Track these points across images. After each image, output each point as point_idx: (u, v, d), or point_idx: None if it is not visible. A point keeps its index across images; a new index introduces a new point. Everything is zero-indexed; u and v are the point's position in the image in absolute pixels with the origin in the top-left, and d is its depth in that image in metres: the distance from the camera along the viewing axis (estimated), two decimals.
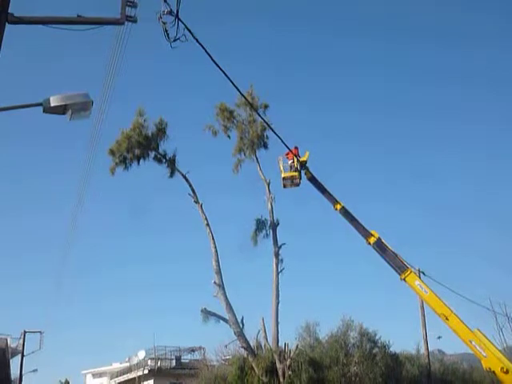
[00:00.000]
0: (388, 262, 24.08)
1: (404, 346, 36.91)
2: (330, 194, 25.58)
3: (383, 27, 78.97)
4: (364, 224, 24.80)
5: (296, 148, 26.38)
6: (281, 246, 31.10)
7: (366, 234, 24.42)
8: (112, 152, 30.21)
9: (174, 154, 31.39)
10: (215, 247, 29.77)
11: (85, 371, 69.84)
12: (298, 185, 26.29)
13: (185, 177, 31.07)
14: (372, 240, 24.20)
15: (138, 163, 30.95)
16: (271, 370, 28.14)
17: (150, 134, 30.87)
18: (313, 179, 25.87)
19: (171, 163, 31.21)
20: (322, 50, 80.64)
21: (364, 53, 79.53)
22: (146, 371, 47.95)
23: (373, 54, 78.79)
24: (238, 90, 14.53)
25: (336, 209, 25.23)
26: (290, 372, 27.74)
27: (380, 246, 24.13)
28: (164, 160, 31.31)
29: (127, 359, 54.36)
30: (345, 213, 25.10)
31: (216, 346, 37.51)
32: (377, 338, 29.63)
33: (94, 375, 67.66)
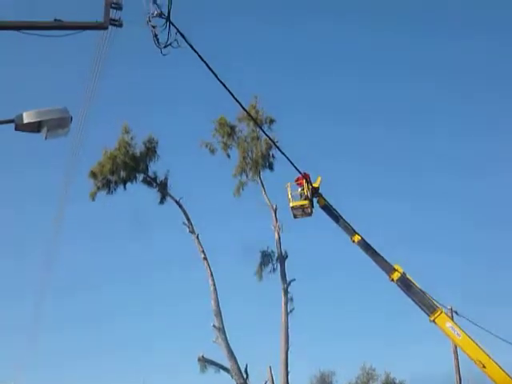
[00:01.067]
0: (414, 301, 23.90)
1: None
2: (346, 224, 25.58)
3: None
4: (386, 257, 24.70)
5: (306, 174, 26.24)
6: (290, 283, 31.16)
7: (389, 269, 24.34)
8: (93, 174, 30.48)
9: (165, 176, 31.76)
10: (214, 284, 29.80)
11: None
12: (309, 214, 26.33)
13: (178, 203, 31.26)
14: (396, 276, 24.11)
15: (125, 187, 31.29)
16: None
17: (137, 154, 31.24)
18: (326, 207, 25.91)
19: (162, 187, 31.47)
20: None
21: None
22: None
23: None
24: (239, 102, 14.24)
25: (354, 241, 25.18)
26: None
27: (405, 283, 24.04)
28: (154, 183, 31.59)
29: None
30: (364, 245, 25.07)
31: None
32: None
33: None
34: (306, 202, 25.98)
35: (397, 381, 29.50)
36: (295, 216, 26.72)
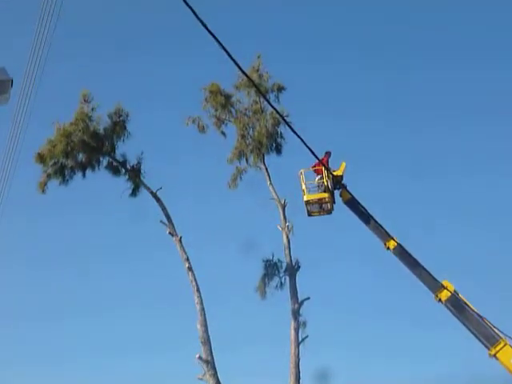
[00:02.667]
0: (468, 329, 23.81)
1: None
2: (378, 226, 25.47)
3: None
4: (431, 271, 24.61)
5: (328, 154, 26.52)
6: (303, 302, 30.77)
7: (435, 286, 24.26)
8: (41, 158, 30.04)
9: (138, 160, 31.30)
10: (201, 303, 29.25)
11: None
12: (329, 212, 26.59)
13: (155, 196, 30.76)
14: (444, 295, 24.03)
15: (84, 174, 30.89)
16: None
17: (101, 131, 30.84)
18: (352, 203, 25.75)
19: (134, 174, 30.97)
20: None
21: None
22: None
23: None
24: (234, 60, 13.16)
25: (388, 247, 25.17)
26: None
27: (456, 305, 23.96)
28: (123, 170, 31.18)
29: None
30: (401, 253, 25.04)
31: None
32: None
33: None
34: (325, 196, 26.03)
35: None
36: (310, 213, 26.80)
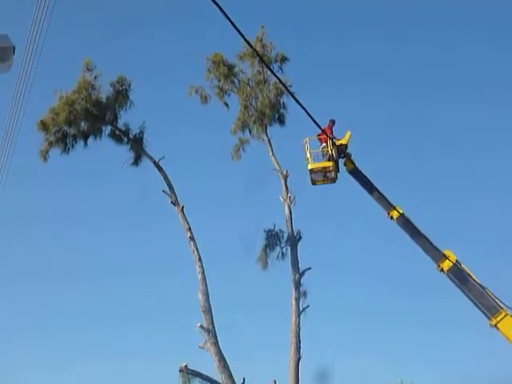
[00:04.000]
0: (470, 299, 23.89)
1: None
2: (381, 196, 25.62)
3: None
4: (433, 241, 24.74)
5: (332, 122, 26.46)
6: (304, 273, 30.79)
7: (438, 256, 24.34)
8: (44, 125, 29.89)
9: (140, 129, 31.15)
10: (203, 272, 29.28)
11: None
12: (333, 180, 26.50)
13: (157, 165, 30.72)
14: (446, 265, 24.10)
15: (86, 143, 30.74)
16: None
17: (103, 99, 30.64)
18: (356, 172, 25.92)
19: (136, 144, 30.88)
20: None
21: None
22: None
23: None
24: (238, 30, 13.02)
25: (392, 217, 25.22)
26: None
27: (458, 275, 24.06)
28: (126, 139, 31.06)
29: None
30: (404, 223, 25.11)
31: None
32: None
33: None
34: (329, 164, 25.99)
35: None
36: (314, 182, 26.72)
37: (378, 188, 25.62)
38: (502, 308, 23.24)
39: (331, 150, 25.91)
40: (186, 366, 27.81)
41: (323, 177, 26.50)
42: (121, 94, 30.82)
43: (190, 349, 30.52)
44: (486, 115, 68.24)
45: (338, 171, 26.25)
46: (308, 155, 26.41)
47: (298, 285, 30.51)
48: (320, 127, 23.33)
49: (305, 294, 30.77)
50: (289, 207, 31.53)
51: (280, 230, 31.68)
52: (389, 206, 25.22)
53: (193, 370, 28.10)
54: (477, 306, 23.50)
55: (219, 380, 28.14)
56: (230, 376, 28.14)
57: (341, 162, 26.28)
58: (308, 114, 17.80)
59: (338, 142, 26.01)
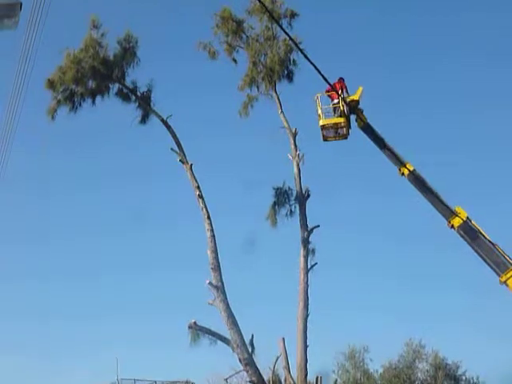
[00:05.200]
0: (480, 255, 23.91)
1: None
2: (392, 152, 25.55)
3: None
4: (444, 198, 24.77)
5: (341, 80, 26.34)
6: (312, 230, 30.74)
7: (448, 213, 24.33)
8: (51, 84, 29.73)
9: (148, 87, 30.93)
10: (212, 230, 29.24)
11: None
12: (345, 137, 26.42)
13: (166, 123, 30.56)
14: (457, 222, 24.09)
15: (93, 101, 30.58)
16: None
17: (110, 57, 30.38)
18: (368, 128, 25.75)
19: (144, 101, 30.68)
20: None
21: None
22: None
23: None
24: None
25: (403, 173, 25.21)
26: None
27: (469, 232, 24.04)
28: (133, 96, 30.85)
29: None
30: (415, 180, 25.09)
31: (211, 379, 37.13)
32: (459, 372, 29.53)
33: None
34: (341, 120, 25.81)
35: (449, 361, 29.62)
36: (326, 138, 26.60)
37: (390, 144, 25.55)
38: (511, 265, 23.22)
39: (343, 106, 25.76)
40: (195, 322, 27.86)
41: (335, 133, 26.43)
42: (128, 52, 30.54)
43: (200, 306, 30.62)
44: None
45: (350, 127, 26.15)
46: (319, 111, 26.27)
47: (306, 242, 30.50)
48: (329, 82, 23.20)
49: (313, 251, 30.85)
50: (297, 165, 31.40)
51: (289, 187, 31.61)
52: (400, 163, 25.16)
53: (202, 327, 28.19)
54: (487, 262, 23.55)
55: (228, 336, 28.27)
56: (239, 332, 28.21)
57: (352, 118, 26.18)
58: (317, 70, 17.58)
59: (349, 98, 25.90)
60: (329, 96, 26.31)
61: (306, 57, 17.24)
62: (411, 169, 24.99)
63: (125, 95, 30.82)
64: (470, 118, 73.57)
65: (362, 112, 25.93)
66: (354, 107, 25.92)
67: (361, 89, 26.16)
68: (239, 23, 31.76)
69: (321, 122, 26.16)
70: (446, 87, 74.46)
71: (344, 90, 26.06)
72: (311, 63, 17.07)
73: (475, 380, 30.19)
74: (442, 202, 24.48)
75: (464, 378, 29.83)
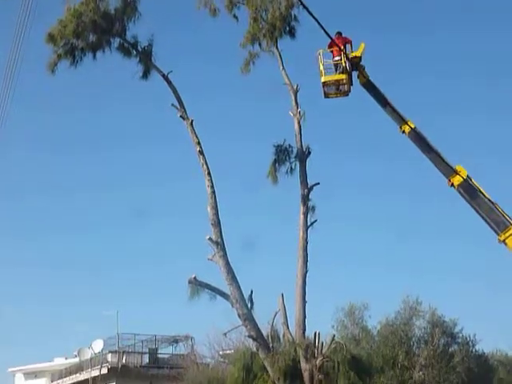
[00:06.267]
0: (480, 214, 24.01)
1: (497, 344, 37.03)
2: (394, 110, 25.43)
3: None
4: (445, 156, 24.75)
5: (339, 35, 26.11)
6: (312, 188, 30.65)
7: (449, 171, 24.35)
8: (52, 38, 29.37)
9: (149, 42, 30.56)
10: (212, 186, 29.21)
11: (13, 369, 70.83)
12: (346, 93, 26.41)
13: (166, 78, 30.30)
14: (457, 181, 24.14)
15: (94, 55, 30.27)
16: (293, 373, 27.96)
17: (111, 11, 29.94)
18: (370, 85, 25.70)
19: (145, 56, 30.39)
20: None
21: None
22: (104, 370, 48.39)
23: None
24: None
25: (404, 131, 25.16)
26: (321, 376, 27.60)
27: (468, 191, 24.12)
28: (134, 51, 30.56)
29: (76, 353, 54.90)
30: (416, 137, 25.06)
31: (210, 334, 37.42)
32: (456, 330, 29.81)
33: (27, 375, 68.64)
34: (343, 77, 25.74)
35: (446, 318, 29.84)
36: (327, 95, 26.59)
37: (391, 101, 25.48)
38: (511, 224, 23.30)
39: (345, 62, 25.59)
40: (195, 277, 27.98)
41: (336, 90, 26.39)
42: (129, 6, 30.04)
43: (200, 261, 30.79)
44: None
45: (352, 84, 26.07)
46: (321, 68, 26.13)
47: (305, 200, 30.39)
48: (331, 37, 23.07)
49: (313, 208, 30.76)
50: (298, 122, 31.10)
51: (289, 145, 31.36)
52: (401, 120, 25.11)
53: (201, 282, 28.32)
54: (486, 221, 23.62)
55: (227, 292, 28.42)
56: (238, 288, 28.34)
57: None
58: (319, 24, 17.11)
59: (351, 55, 25.72)
60: (331, 52, 26.11)
61: (307, 10, 16.98)
62: (412, 126, 24.96)
63: (126, 50, 30.46)
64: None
65: (363, 69, 25.82)
66: (356, 64, 25.77)
67: (363, 45, 26.03)
68: None
69: (322, 79, 26.05)
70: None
71: (348, 46, 25.93)
72: (313, 17, 16.79)
73: (472, 337, 30.48)
74: (442, 160, 24.44)
75: (461, 335, 30.19)
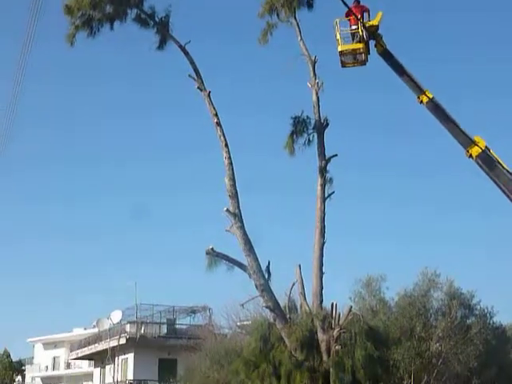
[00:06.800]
0: (498, 186, 23.82)
1: None
2: (412, 79, 25.26)
3: None
4: (463, 127, 24.57)
5: (357, 3, 26.08)
6: (330, 159, 30.55)
7: (467, 142, 24.16)
8: (69, 9, 29.40)
9: (166, 13, 30.52)
10: (229, 158, 29.24)
11: (33, 339, 71.79)
12: (363, 63, 26.21)
13: (183, 49, 30.27)
14: (475, 151, 23.89)
15: (111, 26, 30.34)
16: (310, 343, 28.06)
17: None
18: (387, 54, 25.46)
19: (162, 26, 30.38)
20: None
21: None
22: (122, 340, 48.86)
23: None
24: None
25: (422, 101, 24.93)
26: (338, 347, 27.70)
27: (487, 161, 23.89)
28: (151, 22, 30.56)
29: (95, 323, 55.52)
30: (434, 108, 24.85)
31: (228, 305, 37.67)
32: (474, 302, 29.83)
33: (47, 345, 69.60)
34: (360, 46, 25.63)
35: (463, 290, 29.89)
36: (344, 64, 26.54)
37: (409, 71, 25.27)
38: None
39: (362, 31, 25.46)
40: (212, 248, 28.10)
41: (353, 59, 26.20)
42: None
43: (219, 232, 30.89)
44: None
45: (369, 53, 25.92)
46: (338, 37, 26.03)
47: (323, 171, 30.30)
48: (348, 6, 22.93)
49: (331, 180, 30.62)
50: (316, 93, 30.88)
51: (307, 116, 31.11)
52: (419, 90, 24.92)
53: (219, 253, 28.44)
54: (505, 193, 23.43)
55: (245, 263, 28.54)
56: (256, 259, 28.44)
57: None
58: None
59: (368, 24, 25.58)
60: (349, 20, 25.95)
61: None
62: (430, 96, 24.76)
63: (143, 20, 30.46)
64: None
65: (381, 38, 25.60)
66: (373, 32, 25.60)
67: (380, 14, 25.83)
68: None
69: (339, 48, 25.96)
70: None
71: (366, 14, 25.77)
72: None
73: (489, 309, 30.57)
74: (460, 130, 24.30)
75: (478, 307, 30.29)
